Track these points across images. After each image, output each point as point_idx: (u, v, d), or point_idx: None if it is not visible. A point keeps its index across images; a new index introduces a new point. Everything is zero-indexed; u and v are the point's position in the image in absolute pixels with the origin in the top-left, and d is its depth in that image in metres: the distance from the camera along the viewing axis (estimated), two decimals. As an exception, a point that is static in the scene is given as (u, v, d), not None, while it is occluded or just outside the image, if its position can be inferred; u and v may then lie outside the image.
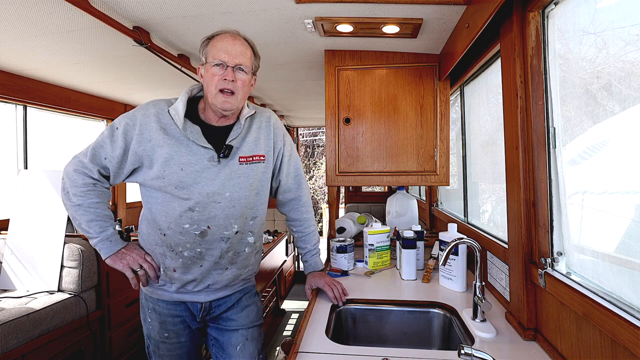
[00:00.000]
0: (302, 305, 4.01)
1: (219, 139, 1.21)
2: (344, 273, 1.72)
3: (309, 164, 10.43)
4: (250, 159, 1.24)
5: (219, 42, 1.15)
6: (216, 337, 1.34)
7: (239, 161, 1.21)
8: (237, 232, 1.23)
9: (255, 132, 1.26)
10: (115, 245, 1.20)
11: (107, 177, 1.22)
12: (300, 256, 1.55)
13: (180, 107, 1.17)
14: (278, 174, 1.38)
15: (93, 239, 1.19)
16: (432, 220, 2.76)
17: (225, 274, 1.26)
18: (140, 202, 1.26)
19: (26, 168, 2.59)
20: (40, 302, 1.95)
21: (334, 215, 2.28)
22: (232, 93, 1.15)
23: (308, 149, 10.55)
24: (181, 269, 1.21)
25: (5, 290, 2.12)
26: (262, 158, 1.26)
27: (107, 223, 1.21)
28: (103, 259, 1.20)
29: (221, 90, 1.14)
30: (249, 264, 1.32)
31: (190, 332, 1.33)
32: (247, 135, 1.25)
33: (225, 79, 1.14)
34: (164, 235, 1.19)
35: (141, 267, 1.21)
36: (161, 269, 1.23)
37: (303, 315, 1.25)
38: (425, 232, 1.91)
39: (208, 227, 1.19)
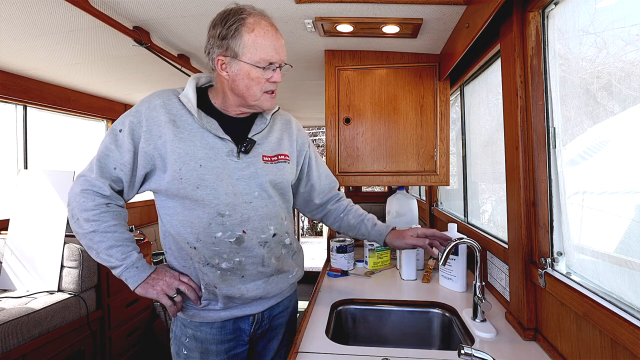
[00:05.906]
0: (302, 305, 4.01)
1: (237, 131, 1.08)
2: (344, 273, 1.72)
3: (309, 164, 10.39)
4: (275, 158, 1.12)
5: (264, 38, 0.99)
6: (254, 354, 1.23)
7: (263, 160, 1.10)
8: (274, 235, 1.11)
9: (277, 133, 1.16)
10: (143, 271, 1.03)
11: (120, 192, 1.07)
12: (367, 232, 1.31)
13: (190, 94, 1.04)
14: (308, 179, 1.27)
15: (116, 268, 1.01)
16: (432, 220, 2.75)
17: (270, 281, 1.13)
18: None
19: (26, 168, 2.59)
20: (40, 302, 1.95)
21: (334, 215, 2.27)
22: (273, 91, 1.07)
23: (308, 149, 10.52)
24: (222, 284, 1.06)
25: (5, 290, 2.12)
26: (287, 157, 1.15)
27: (130, 247, 1.03)
28: (132, 289, 1.02)
29: (267, 92, 1.05)
30: (290, 267, 1.20)
31: None
32: (269, 134, 1.14)
33: (276, 82, 1.04)
34: (194, 248, 1.04)
35: (178, 291, 1.05)
36: (202, 287, 1.07)
37: (303, 315, 1.24)
38: (425, 232, 1.90)
39: (243, 231, 1.04)
